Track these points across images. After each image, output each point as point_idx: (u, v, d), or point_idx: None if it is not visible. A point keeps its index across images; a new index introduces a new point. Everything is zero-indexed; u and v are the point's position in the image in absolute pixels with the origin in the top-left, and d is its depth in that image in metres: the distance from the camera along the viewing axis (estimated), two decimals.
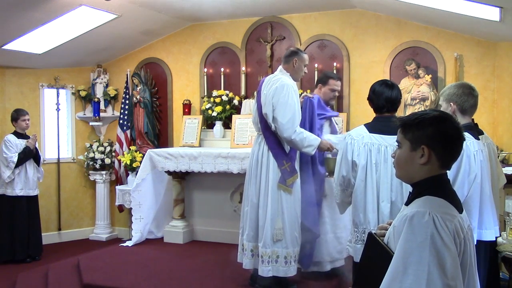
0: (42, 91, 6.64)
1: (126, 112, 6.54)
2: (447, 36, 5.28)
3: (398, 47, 5.47)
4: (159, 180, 6.02)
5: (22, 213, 5.72)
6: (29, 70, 6.48)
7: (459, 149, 1.69)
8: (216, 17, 6.10)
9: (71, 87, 6.86)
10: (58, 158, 6.74)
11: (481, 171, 2.87)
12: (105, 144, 6.80)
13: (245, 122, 5.78)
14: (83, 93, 6.82)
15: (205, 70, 6.30)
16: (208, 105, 6.08)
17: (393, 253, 1.58)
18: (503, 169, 3.59)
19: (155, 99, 6.64)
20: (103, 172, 6.73)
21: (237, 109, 6.05)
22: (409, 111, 5.26)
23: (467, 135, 2.85)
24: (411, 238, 1.52)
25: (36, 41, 5.67)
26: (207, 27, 6.34)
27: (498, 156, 4.11)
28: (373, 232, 1.80)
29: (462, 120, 2.98)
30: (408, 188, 1.75)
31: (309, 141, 3.84)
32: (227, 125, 6.07)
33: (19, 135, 5.75)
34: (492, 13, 4.00)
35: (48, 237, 6.47)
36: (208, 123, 6.22)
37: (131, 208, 5.92)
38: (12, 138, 5.67)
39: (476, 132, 3.02)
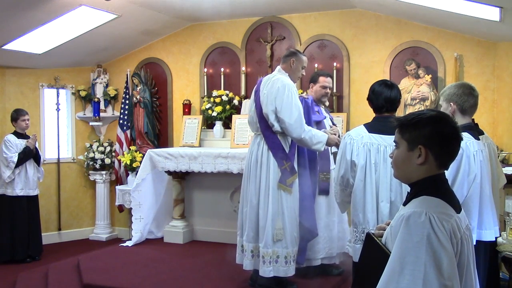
0: (42, 91, 6.64)
1: (126, 112, 6.54)
2: (447, 36, 5.28)
3: (398, 47, 5.46)
4: (159, 180, 6.02)
5: (22, 213, 5.72)
6: (29, 70, 6.49)
7: (457, 149, 1.69)
8: (216, 17, 6.10)
9: (71, 87, 6.86)
10: (58, 158, 6.74)
11: (481, 171, 2.86)
12: (105, 144, 6.80)
13: (245, 122, 5.77)
14: (83, 93, 6.82)
15: (205, 70, 6.30)
16: (208, 105, 6.08)
17: (390, 253, 1.57)
18: (503, 169, 3.58)
19: (155, 99, 6.64)
20: (103, 172, 6.73)
21: (237, 109, 6.05)
22: (409, 111, 5.25)
23: (467, 135, 2.86)
24: (407, 238, 1.52)
25: (36, 41, 5.67)
26: (207, 27, 6.34)
27: (498, 156, 4.11)
28: (371, 232, 1.80)
29: (462, 120, 2.98)
30: (407, 188, 1.76)
31: (317, 138, 3.86)
32: (227, 125, 6.08)
33: (19, 135, 5.75)
34: (492, 13, 4.00)
35: (48, 237, 6.47)
36: (208, 123, 6.22)
37: (131, 208, 5.93)
38: (12, 138, 5.67)
39: (476, 132, 3.01)
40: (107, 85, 6.89)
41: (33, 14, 4.96)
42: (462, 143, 2.75)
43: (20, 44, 5.62)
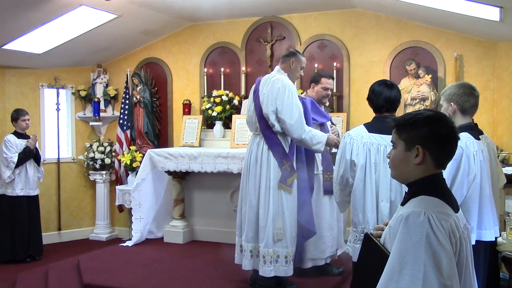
0: (42, 91, 6.64)
1: (126, 112, 6.54)
2: (447, 36, 5.28)
3: (398, 47, 5.46)
4: (159, 180, 6.02)
5: (23, 213, 5.72)
6: (29, 70, 6.49)
7: (454, 148, 1.69)
8: (216, 17, 6.10)
9: (71, 87, 6.86)
10: (58, 158, 6.74)
11: (481, 171, 2.86)
12: (105, 144, 6.80)
13: (245, 122, 5.76)
14: (83, 93, 6.83)
15: (205, 70, 6.30)
16: (208, 105, 6.08)
17: (389, 253, 1.57)
18: (503, 169, 3.58)
19: (155, 99, 6.64)
20: (103, 172, 6.73)
21: (237, 109, 6.05)
22: (409, 111, 5.25)
23: (467, 135, 2.86)
24: (406, 238, 1.52)
25: (36, 41, 5.67)
26: (207, 27, 6.34)
27: (498, 156, 4.11)
28: (369, 232, 1.80)
29: (462, 120, 2.97)
30: (407, 188, 1.76)
31: (317, 138, 3.87)
32: (227, 125, 6.07)
33: (19, 135, 5.75)
34: (492, 13, 4.00)
35: (48, 237, 6.47)
36: (208, 123, 6.22)
37: (131, 208, 5.93)
38: (12, 138, 5.67)
39: (477, 132, 3.01)
40: (107, 85, 6.89)
41: (33, 14, 4.96)
42: (462, 143, 2.79)
43: (20, 44, 5.62)
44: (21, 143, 5.70)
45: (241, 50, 6.17)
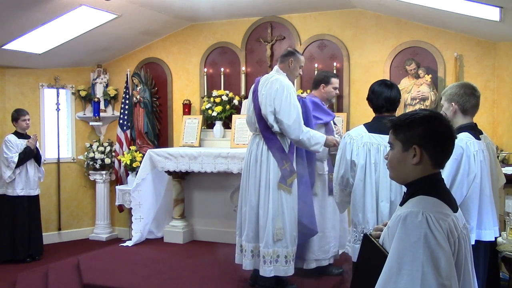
0: (42, 91, 6.64)
1: (126, 112, 6.54)
2: (447, 36, 5.28)
3: (398, 47, 5.46)
4: (159, 180, 6.02)
5: (23, 213, 5.72)
6: (29, 70, 6.49)
7: (451, 148, 1.69)
8: (216, 17, 6.10)
9: (71, 87, 6.86)
10: (58, 158, 6.74)
11: (481, 171, 2.86)
12: (105, 144, 6.80)
13: (245, 122, 5.76)
14: (83, 93, 6.83)
15: (205, 70, 6.30)
16: (208, 105, 6.08)
17: (388, 254, 1.57)
18: (502, 169, 3.58)
19: (155, 99, 6.64)
20: (103, 172, 6.73)
21: (237, 109, 6.05)
22: (408, 111, 5.25)
23: (467, 135, 2.86)
24: (404, 238, 1.52)
25: (36, 41, 5.67)
26: (207, 27, 6.34)
27: (498, 156, 4.11)
28: (368, 233, 1.80)
29: (463, 120, 2.98)
30: None
31: (316, 139, 3.86)
32: (227, 125, 6.07)
33: (20, 135, 5.75)
34: (492, 13, 4.00)
35: (48, 237, 6.46)
36: (208, 123, 6.22)
37: (131, 208, 5.93)
38: (12, 138, 5.68)
39: (477, 132, 3.01)
40: (107, 85, 6.89)
41: (33, 14, 4.96)
42: (463, 143, 2.79)
43: (20, 44, 5.62)
44: (22, 143, 5.70)
45: (241, 50, 6.17)
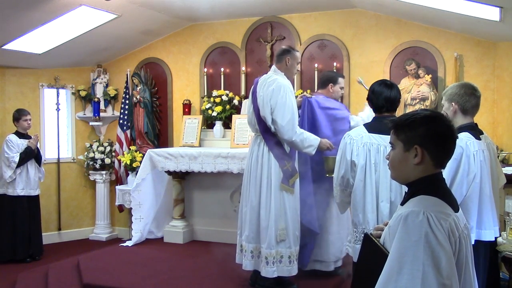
0: (42, 91, 6.64)
1: (126, 112, 6.54)
2: (447, 36, 5.28)
3: (398, 47, 5.46)
4: (159, 180, 6.02)
5: (23, 213, 5.72)
6: (29, 70, 6.49)
7: (452, 147, 1.69)
8: (216, 17, 6.10)
9: (71, 87, 6.86)
10: (58, 158, 6.74)
11: (481, 171, 2.86)
12: (105, 144, 6.80)
13: (245, 122, 5.76)
14: (83, 93, 6.83)
15: (205, 70, 6.30)
16: (208, 105, 6.08)
17: (389, 253, 1.57)
18: (503, 169, 3.58)
19: (155, 99, 6.64)
20: (103, 172, 6.73)
21: (237, 109, 6.05)
22: (409, 111, 5.25)
23: (467, 135, 2.86)
24: (405, 238, 1.52)
25: (36, 41, 5.67)
26: (207, 27, 6.34)
27: (498, 156, 4.11)
28: (369, 233, 1.80)
29: (463, 120, 2.98)
30: (407, 188, 1.75)
31: (309, 141, 3.85)
32: (227, 125, 6.07)
33: (21, 135, 5.76)
34: (492, 13, 4.00)
35: (48, 237, 6.47)
36: (208, 123, 6.22)
37: (131, 208, 5.93)
38: (13, 138, 5.68)
39: (478, 132, 3.01)
40: (107, 85, 6.89)
41: (33, 14, 4.96)
42: (463, 143, 2.79)
43: (20, 44, 5.62)
44: (23, 143, 5.70)
45: (241, 50, 6.17)
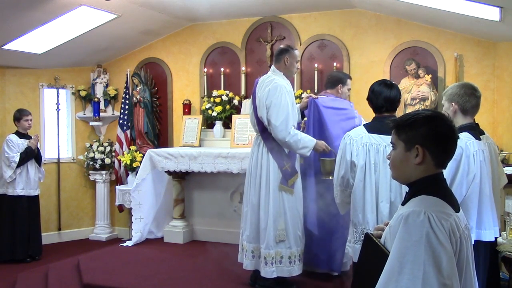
0: (42, 91, 6.64)
1: (126, 112, 6.54)
2: (447, 36, 5.28)
3: (398, 47, 5.46)
4: (159, 180, 6.02)
5: (23, 213, 5.72)
6: (29, 70, 6.49)
7: (454, 147, 1.69)
8: (216, 17, 6.10)
9: (71, 87, 6.86)
10: (58, 158, 6.74)
11: (481, 171, 2.86)
12: (105, 144, 6.80)
13: (245, 122, 5.78)
14: (83, 93, 6.83)
15: (205, 70, 6.30)
16: (208, 105, 6.08)
17: (390, 253, 1.57)
18: (503, 169, 3.58)
19: (155, 99, 6.64)
20: (103, 172, 6.73)
21: (237, 109, 6.05)
22: (409, 111, 5.25)
23: (467, 135, 2.86)
24: (406, 238, 1.52)
25: (36, 41, 5.67)
26: (207, 27, 6.34)
27: (499, 156, 4.10)
28: (369, 232, 1.80)
29: (463, 120, 2.98)
30: (407, 188, 1.75)
31: (304, 142, 3.81)
32: (227, 125, 6.08)
33: (21, 135, 5.76)
34: (492, 13, 4.00)
35: (48, 237, 6.47)
36: (208, 123, 6.22)
37: (131, 208, 5.93)
38: (14, 138, 5.68)
39: (478, 132, 3.01)
40: (107, 85, 6.89)
41: (33, 14, 4.96)
42: (462, 143, 2.79)
43: (20, 44, 5.62)
44: (23, 143, 5.70)
45: (241, 50, 6.17)
